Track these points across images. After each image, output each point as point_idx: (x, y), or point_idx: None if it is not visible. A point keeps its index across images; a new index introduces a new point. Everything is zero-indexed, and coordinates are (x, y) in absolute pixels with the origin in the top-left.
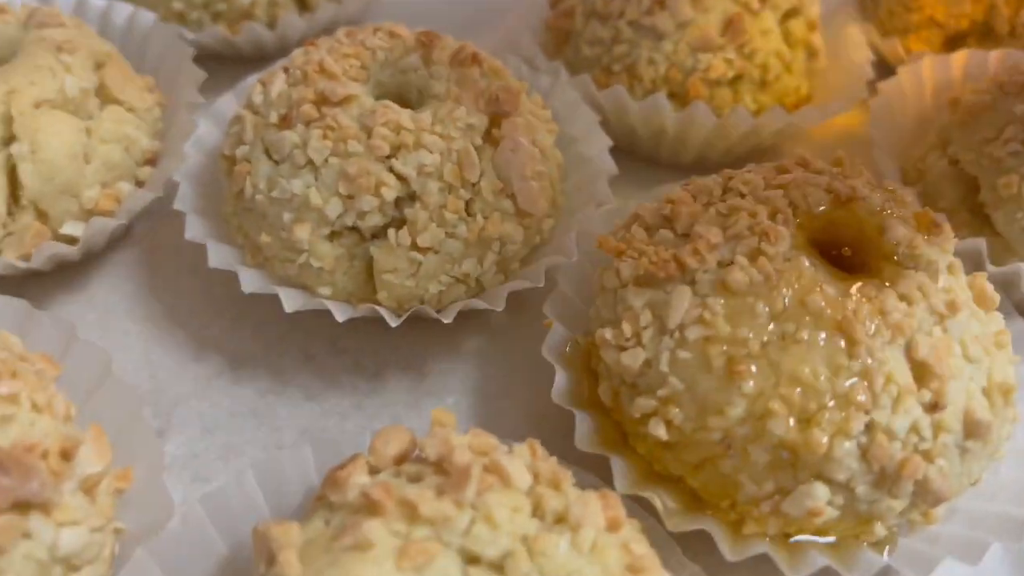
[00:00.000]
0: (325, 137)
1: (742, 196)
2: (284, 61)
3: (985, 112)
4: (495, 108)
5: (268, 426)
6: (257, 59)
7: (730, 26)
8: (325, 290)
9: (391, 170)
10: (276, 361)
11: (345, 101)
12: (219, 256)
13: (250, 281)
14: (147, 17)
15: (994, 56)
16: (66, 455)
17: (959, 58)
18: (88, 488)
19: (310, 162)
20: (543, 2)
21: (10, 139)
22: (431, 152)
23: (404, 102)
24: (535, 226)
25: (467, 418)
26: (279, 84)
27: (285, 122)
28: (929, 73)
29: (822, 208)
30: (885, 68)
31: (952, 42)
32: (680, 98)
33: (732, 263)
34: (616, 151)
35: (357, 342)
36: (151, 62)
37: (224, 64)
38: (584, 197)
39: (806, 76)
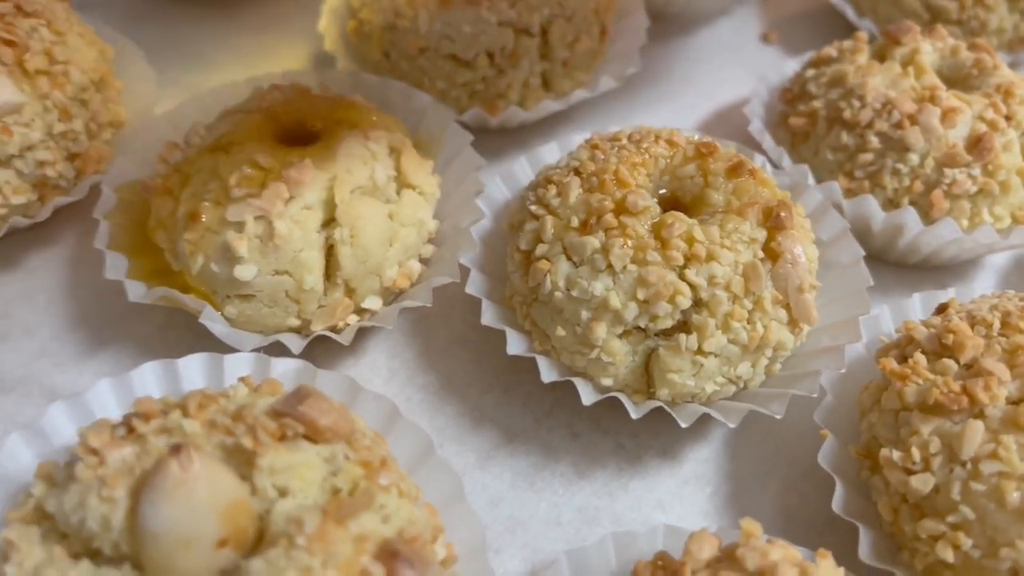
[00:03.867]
0: (625, 245)
1: (1022, 331)
2: (569, 159)
3: None
4: (775, 223)
5: (547, 502)
6: (500, 129)
7: (978, 143)
8: (608, 380)
9: (683, 278)
10: (546, 436)
11: (642, 212)
12: (515, 343)
13: (547, 371)
14: (423, 97)
15: None
16: (435, 542)
17: None
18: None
19: (610, 266)
20: (769, 93)
21: (330, 222)
22: (721, 264)
23: (681, 206)
24: (802, 333)
25: (726, 507)
26: (576, 189)
27: (585, 228)
28: None
29: None
30: None
31: None
32: (920, 207)
33: (1021, 402)
34: None
35: (618, 424)
36: (425, 138)
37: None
38: (843, 306)
39: None
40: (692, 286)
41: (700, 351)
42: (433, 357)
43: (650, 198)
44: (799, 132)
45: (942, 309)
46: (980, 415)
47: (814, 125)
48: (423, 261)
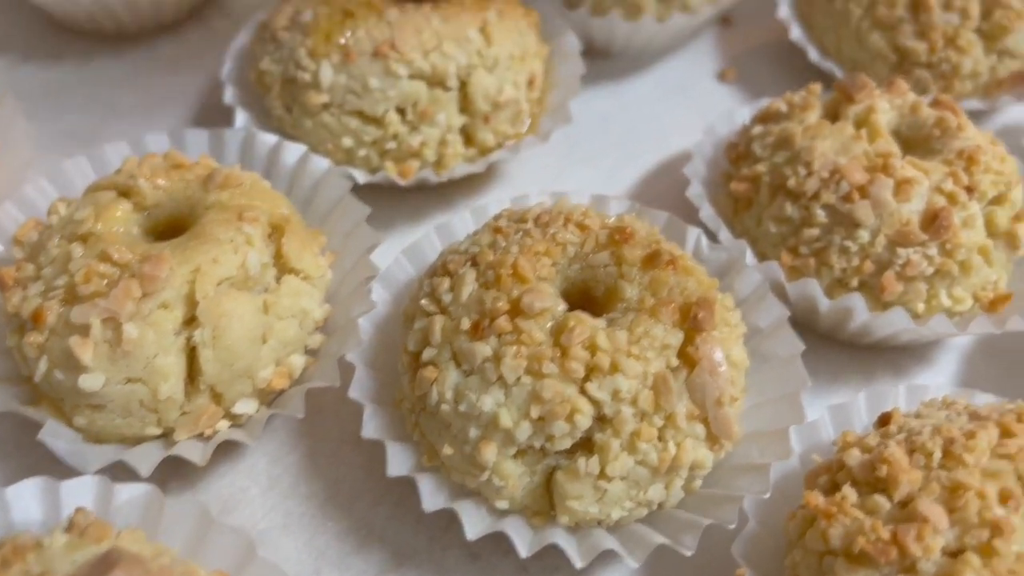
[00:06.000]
0: (519, 355)
1: (965, 465)
2: (470, 243)
3: None
4: (693, 325)
5: None
6: (420, 186)
7: (935, 220)
8: (503, 503)
9: (584, 392)
10: (440, 557)
11: (539, 314)
12: (398, 461)
13: (431, 498)
14: (320, 163)
15: None
16: None
17: None
18: None
19: (501, 378)
20: (714, 147)
21: (191, 320)
22: (627, 377)
23: (590, 298)
24: (724, 448)
25: None
26: (470, 283)
27: (477, 331)
28: None
29: None
30: None
31: None
32: (871, 288)
33: (960, 554)
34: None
35: None
36: (320, 209)
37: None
38: (775, 411)
39: (1005, 267)
40: (594, 401)
41: (603, 475)
42: (321, 461)
43: (553, 296)
44: (741, 198)
45: (884, 421)
46: (911, 570)
47: (757, 191)
48: (312, 352)
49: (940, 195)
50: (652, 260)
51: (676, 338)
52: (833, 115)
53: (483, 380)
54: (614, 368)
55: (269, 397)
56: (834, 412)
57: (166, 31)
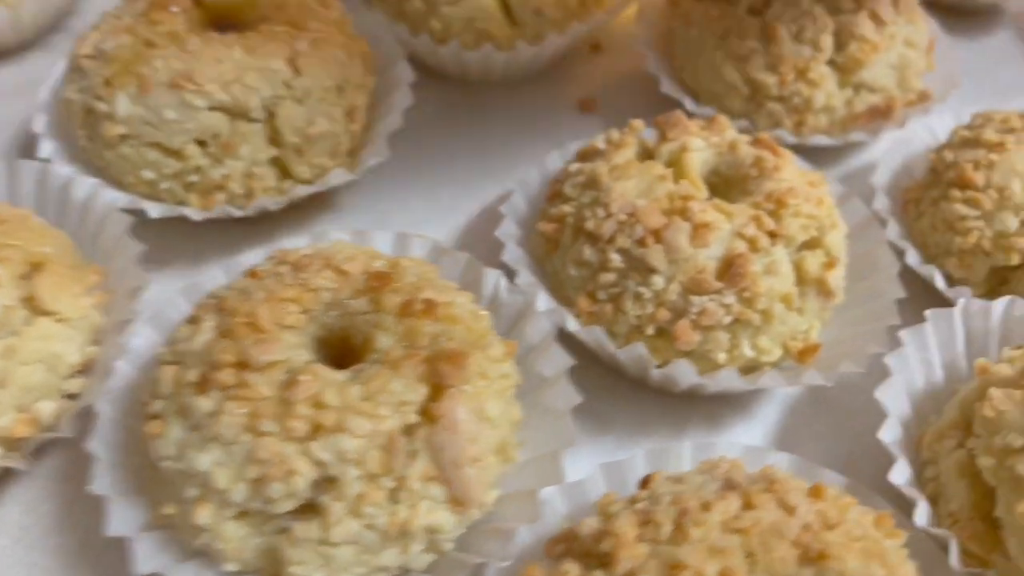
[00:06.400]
0: (239, 410)
1: (690, 541)
2: (225, 287)
3: (1019, 408)
4: (437, 379)
5: None
6: (244, 220)
7: (730, 268)
8: (232, 566)
9: (307, 453)
10: None
11: (269, 367)
12: (122, 519)
13: (146, 560)
14: (104, 199)
15: None
16: None
17: (1000, 307)
18: None
19: (220, 435)
20: (541, 185)
21: None
22: (354, 436)
23: (349, 347)
24: (473, 509)
25: None
26: (207, 331)
27: (203, 385)
28: (962, 321)
29: (785, 567)
30: (929, 296)
31: (1000, 276)
32: (667, 338)
33: None
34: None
35: None
36: (104, 246)
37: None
38: (538, 470)
39: (818, 315)
40: (318, 462)
41: (327, 540)
42: (79, 510)
43: (293, 346)
44: (551, 239)
45: (644, 484)
46: None
47: (562, 233)
48: (73, 397)
49: (741, 240)
50: (407, 308)
51: (418, 393)
52: (650, 155)
53: (203, 437)
54: (339, 427)
55: (17, 444)
56: (607, 471)
57: (8, 57)
